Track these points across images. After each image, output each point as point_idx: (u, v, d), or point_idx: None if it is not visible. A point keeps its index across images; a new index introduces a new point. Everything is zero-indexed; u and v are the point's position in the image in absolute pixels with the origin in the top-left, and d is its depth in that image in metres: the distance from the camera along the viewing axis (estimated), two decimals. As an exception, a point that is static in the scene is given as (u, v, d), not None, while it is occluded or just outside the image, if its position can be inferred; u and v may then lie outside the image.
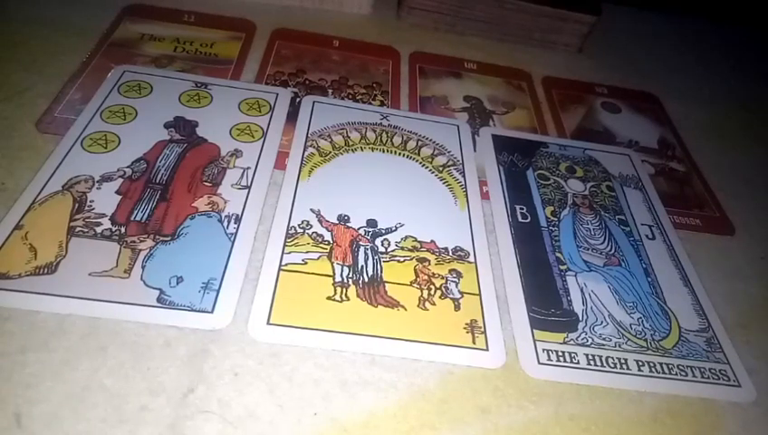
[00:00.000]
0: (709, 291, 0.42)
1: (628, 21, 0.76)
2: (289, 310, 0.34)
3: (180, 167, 0.41)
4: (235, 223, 0.38)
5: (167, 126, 0.44)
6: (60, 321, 0.32)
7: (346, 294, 0.36)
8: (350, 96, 0.52)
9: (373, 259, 0.38)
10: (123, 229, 0.36)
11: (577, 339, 0.37)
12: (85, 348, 0.31)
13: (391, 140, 0.48)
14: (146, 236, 0.36)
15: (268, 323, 0.33)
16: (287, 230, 0.39)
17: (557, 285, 0.40)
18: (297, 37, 0.58)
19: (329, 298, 0.35)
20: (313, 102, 0.50)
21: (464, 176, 0.46)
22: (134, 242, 0.36)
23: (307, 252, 0.38)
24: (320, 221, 0.40)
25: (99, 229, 0.36)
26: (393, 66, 0.57)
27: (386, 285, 0.37)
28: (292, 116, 0.48)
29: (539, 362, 0.35)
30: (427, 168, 0.46)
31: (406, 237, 0.40)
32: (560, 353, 0.36)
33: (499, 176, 0.47)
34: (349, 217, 0.40)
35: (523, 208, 0.45)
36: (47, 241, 0.35)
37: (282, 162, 0.44)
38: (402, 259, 0.39)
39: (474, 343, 0.35)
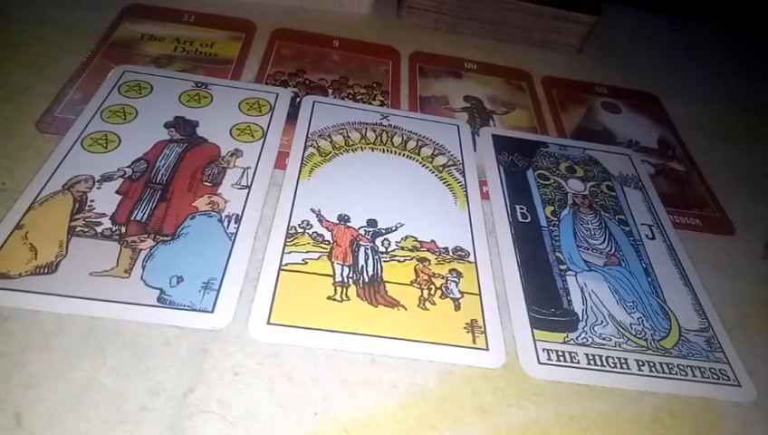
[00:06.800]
0: (709, 291, 0.42)
1: (628, 21, 0.76)
2: (289, 310, 0.34)
3: (180, 167, 0.41)
4: (236, 223, 0.38)
5: (167, 126, 0.44)
6: (60, 321, 0.32)
7: (346, 294, 0.36)
8: (350, 96, 0.52)
9: (373, 259, 0.38)
10: (123, 229, 0.36)
11: (577, 339, 0.37)
12: (85, 348, 0.31)
13: (391, 140, 0.48)
14: (146, 235, 0.36)
15: (268, 322, 0.33)
16: (287, 230, 0.39)
17: (557, 285, 0.40)
18: (297, 37, 0.58)
19: (329, 298, 0.35)
20: (313, 102, 0.50)
21: (464, 176, 0.46)
22: (134, 242, 0.36)
23: (307, 252, 0.38)
24: (320, 221, 0.40)
25: (99, 229, 0.36)
26: (393, 66, 0.57)
27: (386, 284, 0.37)
28: (293, 116, 0.48)
29: (539, 362, 0.35)
30: (427, 168, 0.46)
31: (406, 237, 0.40)
32: (560, 353, 0.36)
33: (499, 176, 0.47)
34: (349, 217, 0.40)
35: (523, 208, 0.45)
36: (47, 241, 0.35)
37: (282, 162, 0.44)
38: (402, 259, 0.39)
39: (474, 342, 0.35)
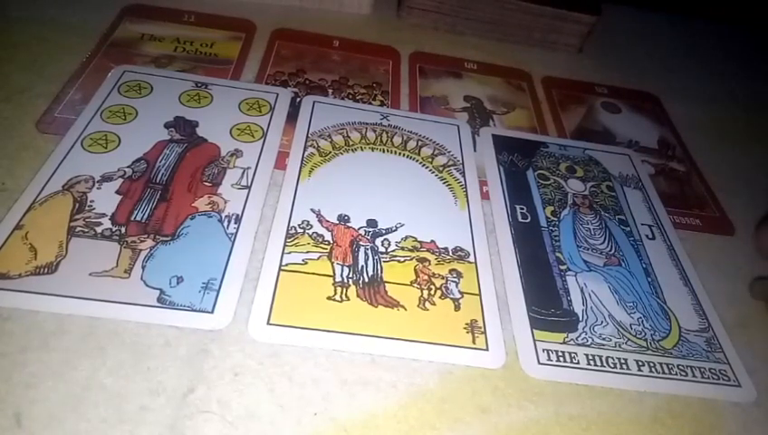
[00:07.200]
0: (709, 291, 0.42)
1: (628, 21, 0.76)
2: (289, 310, 0.34)
3: (180, 167, 0.41)
4: (235, 223, 0.38)
5: (167, 126, 0.44)
6: (60, 321, 0.32)
7: (346, 294, 0.36)
8: (350, 96, 0.52)
9: (373, 259, 0.38)
10: (123, 229, 0.36)
11: (577, 339, 0.37)
12: (85, 348, 0.31)
13: (391, 140, 0.48)
14: (146, 236, 0.36)
15: (268, 323, 0.33)
16: (287, 230, 0.39)
17: (557, 285, 0.40)
18: (297, 37, 0.58)
19: (329, 298, 0.35)
20: (313, 102, 0.50)
21: (464, 176, 0.46)
22: (134, 242, 0.36)
23: (307, 252, 0.38)
24: (320, 221, 0.40)
25: (99, 229, 0.36)
26: (393, 66, 0.57)
27: (386, 284, 0.37)
28: (293, 116, 0.48)
29: (539, 362, 0.35)
30: (427, 168, 0.46)
31: (406, 237, 0.40)
32: (560, 353, 0.36)
33: (499, 176, 0.47)
34: (349, 217, 0.40)
35: (523, 208, 0.45)
36: (47, 241, 0.35)
37: (282, 162, 0.44)
38: (402, 259, 0.39)
39: (474, 342, 0.35)
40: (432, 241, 0.40)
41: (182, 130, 0.44)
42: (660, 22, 0.79)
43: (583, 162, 0.51)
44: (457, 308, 0.37)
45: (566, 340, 0.37)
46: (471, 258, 0.40)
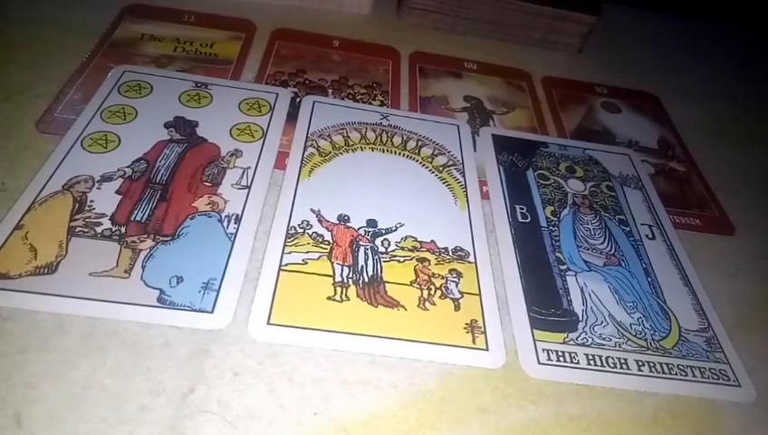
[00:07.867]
0: (709, 291, 0.42)
1: (628, 21, 0.76)
2: (289, 310, 0.34)
3: (180, 167, 0.41)
4: (235, 223, 0.38)
5: (167, 126, 0.44)
6: (60, 321, 0.32)
7: (346, 294, 0.36)
8: (350, 96, 0.52)
9: (373, 259, 0.38)
10: (123, 229, 0.36)
11: (577, 339, 0.37)
12: (85, 348, 0.31)
13: (391, 140, 0.48)
14: (146, 236, 0.36)
15: (268, 323, 0.33)
16: (287, 230, 0.39)
17: (557, 285, 0.40)
18: (297, 37, 0.58)
19: (329, 298, 0.35)
20: (313, 102, 0.50)
21: (464, 176, 0.46)
22: (134, 242, 0.36)
23: (307, 252, 0.38)
24: (320, 221, 0.40)
25: (99, 229, 0.36)
26: (393, 66, 0.57)
27: (386, 284, 0.37)
28: (292, 116, 0.48)
29: (539, 362, 0.35)
30: (427, 168, 0.46)
31: (406, 237, 0.40)
32: (560, 353, 0.36)
33: (499, 176, 0.47)
34: (349, 217, 0.40)
35: (523, 208, 0.45)
36: (47, 241, 0.35)
37: (282, 162, 0.44)
38: (402, 259, 0.39)
39: (474, 342, 0.35)
40: (432, 241, 0.40)
41: (182, 130, 0.44)
42: (660, 22, 0.79)
43: (583, 162, 0.51)
44: (457, 308, 0.37)
45: (566, 340, 0.37)
46: (471, 258, 0.40)
